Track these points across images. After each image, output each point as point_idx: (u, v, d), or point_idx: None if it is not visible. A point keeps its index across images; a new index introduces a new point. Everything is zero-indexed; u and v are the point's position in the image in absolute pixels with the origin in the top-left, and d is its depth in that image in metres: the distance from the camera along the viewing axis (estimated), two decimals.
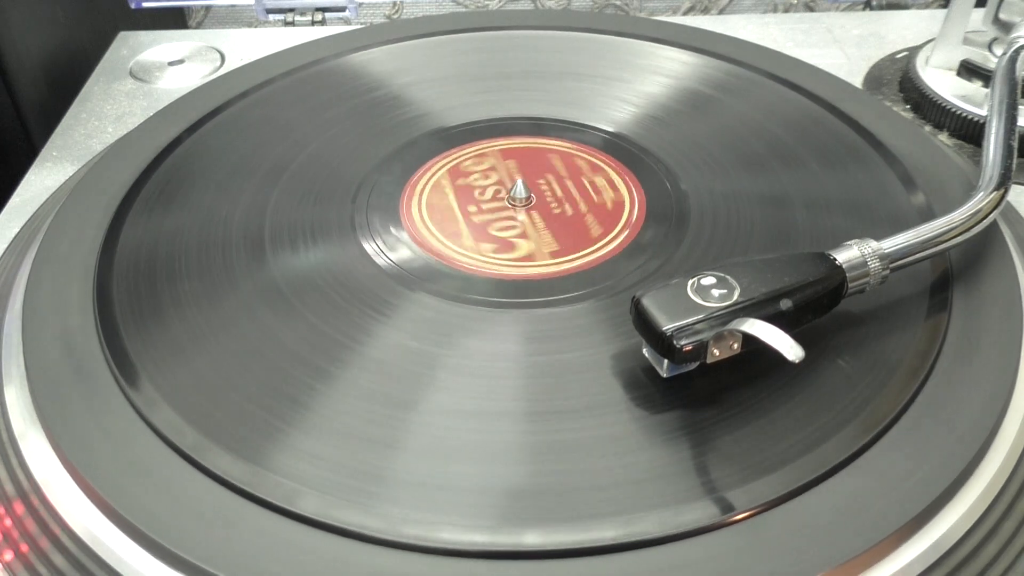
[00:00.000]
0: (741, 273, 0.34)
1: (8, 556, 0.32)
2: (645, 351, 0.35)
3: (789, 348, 0.30)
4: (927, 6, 0.77)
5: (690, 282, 0.34)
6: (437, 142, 0.48)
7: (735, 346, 0.33)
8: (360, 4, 0.74)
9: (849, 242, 0.36)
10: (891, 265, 0.36)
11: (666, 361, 0.34)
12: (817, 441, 0.32)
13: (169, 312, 0.38)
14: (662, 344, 0.33)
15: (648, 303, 0.33)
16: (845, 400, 0.34)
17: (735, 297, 0.33)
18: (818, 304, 0.34)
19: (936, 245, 0.37)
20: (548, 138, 0.49)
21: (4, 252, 0.46)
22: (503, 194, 0.45)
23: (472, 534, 0.30)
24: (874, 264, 0.35)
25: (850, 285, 0.35)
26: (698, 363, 0.34)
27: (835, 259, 0.35)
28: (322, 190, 0.45)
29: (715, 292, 0.33)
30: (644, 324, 0.33)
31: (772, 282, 0.34)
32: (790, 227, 0.42)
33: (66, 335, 0.37)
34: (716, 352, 0.33)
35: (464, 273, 0.40)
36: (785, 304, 0.33)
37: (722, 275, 0.34)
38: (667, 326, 0.32)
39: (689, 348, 0.32)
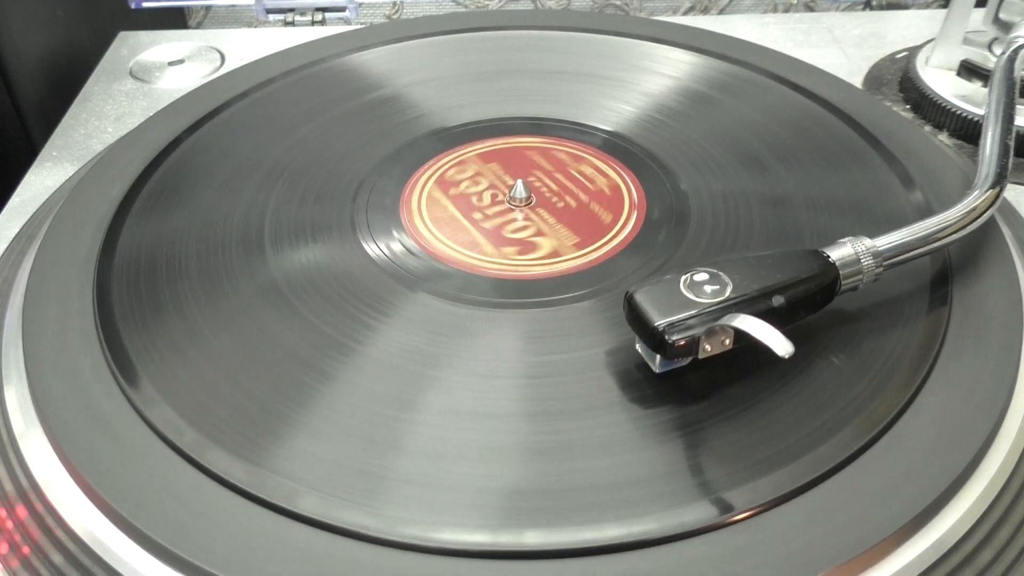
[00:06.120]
0: (734, 269, 0.34)
1: (4, 549, 0.32)
2: (638, 346, 0.35)
3: (779, 344, 0.31)
4: (927, 6, 0.77)
5: (683, 278, 0.34)
6: (437, 142, 0.49)
7: (727, 342, 0.33)
8: (360, 4, 0.74)
9: (843, 239, 0.36)
10: (885, 263, 0.36)
11: (658, 356, 0.34)
12: (817, 440, 0.32)
13: (169, 312, 0.38)
14: (654, 339, 0.33)
15: (641, 298, 0.33)
16: (845, 399, 0.34)
17: (727, 293, 0.33)
18: (811, 301, 0.35)
19: (930, 243, 0.37)
20: (548, 138, 0.49)
21: (4, 252, 0.46)
22: (502, 195, 0.45)
23: (471, 534, 0.30)
24: (867, 262, 0.35)
25: (843, 283, 0.35)
26: (690, 358, 0.34)
27: (828, 256, 0.35)
28: (322, 190, 0.45)
29: (708, 288, 0.33)
30: (636, 319, 0.33)
31: (765, 278, 0.34)
32: (790, 227, 0.42)
33: (66, 335, 0.37)
34: (708, 347, 0.33)
35: (464, 273, 0.40)
36: (777, 300, 0.33)
37: (715, 271, 0.34)
38: (659, 321, 0.32)
39: (681, 343, 0.32)
